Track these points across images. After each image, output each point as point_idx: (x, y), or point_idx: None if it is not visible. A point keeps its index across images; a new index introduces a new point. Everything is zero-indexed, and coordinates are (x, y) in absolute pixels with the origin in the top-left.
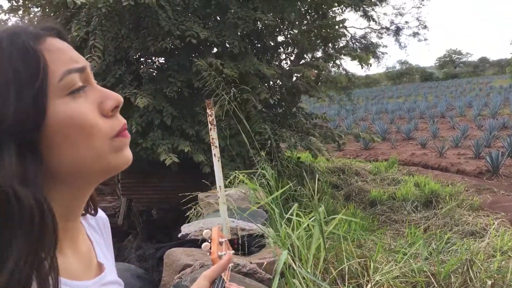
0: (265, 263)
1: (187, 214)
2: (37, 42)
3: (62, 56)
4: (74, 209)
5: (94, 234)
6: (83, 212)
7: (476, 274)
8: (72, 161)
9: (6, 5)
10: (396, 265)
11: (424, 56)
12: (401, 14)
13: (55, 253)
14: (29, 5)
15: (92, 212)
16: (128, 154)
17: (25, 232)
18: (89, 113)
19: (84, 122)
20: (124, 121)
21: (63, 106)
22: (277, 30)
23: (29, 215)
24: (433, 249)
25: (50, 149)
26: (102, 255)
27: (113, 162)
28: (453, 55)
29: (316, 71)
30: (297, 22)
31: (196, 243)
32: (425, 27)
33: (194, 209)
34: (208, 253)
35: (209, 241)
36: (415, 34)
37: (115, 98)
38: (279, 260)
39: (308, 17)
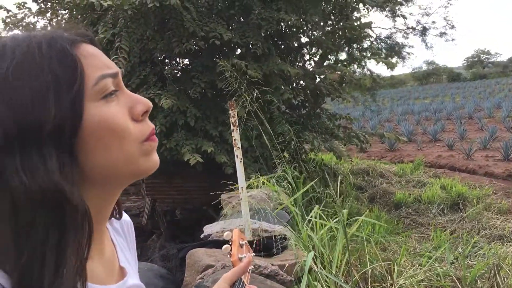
0: (287, 265)
1: (210, 214)
2: (73, 47)
3: (96, 62)
4: (103, 212)
5: (118, 237)
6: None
7: (504, 280)
8: (104, 164)
9: (34, 8)
10: (420, 268)
11: (452, 56)
12: (428, 14)
13: (88, 254)
14: (57, 7)
15: (117, 216)
16: (156, 158)
17: (74, 233)
18: (121, 117)
19: (117, 126)
20: (153, 126)
21: (97, 109)
22: (301, 31)
23: (79, 215)
24: (459, 253)
25: (83, 152)
26: (124, 259)
27: (143, 166)
28: (482, 55)
29: (339, 73)
30: (321, 23)
31: (218, 243)
32: (453, 27)
33: (217, 210)
34: (228, 255)
35: (230, 243)
36: (442, 34)
37: (145, 103)
38: (304, 261)
39: (332, 17)
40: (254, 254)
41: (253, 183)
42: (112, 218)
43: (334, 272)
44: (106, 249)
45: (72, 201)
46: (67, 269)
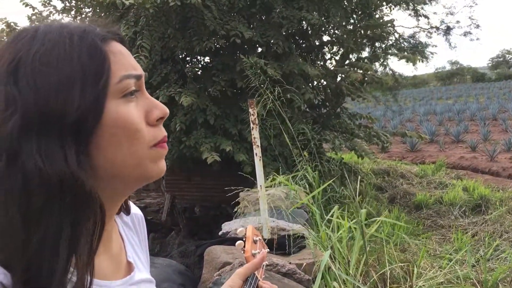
0: (304, 264)
1: (228, 212)
2: (103, 43)
3: (123, 60)
4: (108, 209)
5: (128, 231)
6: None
7: None
8: (112, 162)
9: (59, 6)
10: (440, 271)
11: (476, 56)
12: (452, 13)
13: (98, 247)
14: (81, 5)
15: (125, 212)
16: (163, 165)
17: (87, 223)
18: (136, 118)
19: (131, 126)
20: (166, 133)
21: (116, 107)
22: (322, 29)
23: (93, 205)
24: (481, 256)
25: (96, 146)
26: (133, 254)
27: (149, 171)
28: (507, 55)
29: (361, 72)
30: (343, 22)
31: (236, 241)
32: (478, 26)
33: (236, 208)
34: (242, 251)
35: (244, 239)
36: (466, 34)
37: (162, 109)
38: (321, 260)
39: (354, 16)
40: (268, 250)
41: (271, 182)
42: (121, 213)
43: (351, 272)
44: (113, 244)
45: (87, 191)
46: (79, 260)
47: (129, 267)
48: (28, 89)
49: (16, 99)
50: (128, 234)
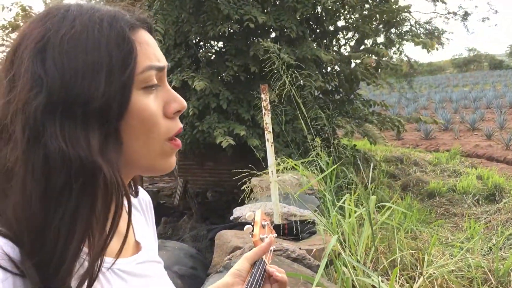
0: (314, 249)
1: (240, 197)
2: (132, 31)
3: (148, 51)
4: None
5: (135, 212)
6: None
7: None
8: (126, 152)
9: None
10: (452, 259)
11: (495, 42)
12: None
13: (115, 230)
14: None
15: (133, 193)
16: (173, 161)
17: (104, 206)
18: (154, 111)
19: (149, 118)
20: (181, 125)
21: (137, 97)
22: (337, 14)
23: (110, 189)
24: (493, 244)
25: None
26: (140, 234)
27: (158, 165)
28: None
29: (375, 58)
30: (358, 6)
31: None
32: (496, 12)
33: (247, 193)
34: (250, 236)
35: (252, 223)
36: (484, 19)
37: (181, 102)
38: (328, 245)
39: (370, 1)
40: (276, 235)
41: (282, 167)
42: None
43: (358, 257)
44: (121, 223)
45: (107, 177)
46: (93, 242)
47: (137, 247)
48: (55, 71)
49: (42, 79)
50: (136, 215)
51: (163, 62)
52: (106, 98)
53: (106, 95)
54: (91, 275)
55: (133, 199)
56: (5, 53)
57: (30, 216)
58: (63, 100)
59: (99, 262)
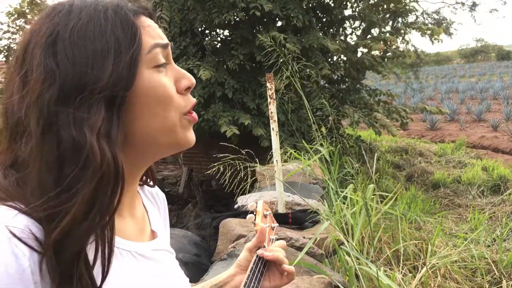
0: (318, 238)
1: (245, 186)
2: (135, 17)
3: (152, 32)
4: (133, 175)
5: (150, 205)
6: (141, 183)
7: None
8: (145, 129)
9: None
10: (455, 249)
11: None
12: None
13: (116, 209)
14: None
15: (150, 183)
16: (192, 135)
17: (98, 183)
18: (168, 86)
19: (164, 93)
20: (194, 100)
21: (148, 76)
22: (344, 3)
23: (106, 168)
24: (497, 236)
25: (129, 114)
26: (156, 224)
27: (180, 138)
28: None
29: (383, 46)
30: None
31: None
32: (505, 3)
33: (252, 182)
34: (253, 225)
35: (255, 213)
36: (492, 11)
37: (190, 78)
38: (333, 235)
39: None
40: (277, 225)
41: (287, 156)
42: (145, 186)
43: (363, 248)
44: (137, 210)
45: (103, 152)
46: (101, 220)
47: (153, 235)
48: (66, 62)
49: (54, 72)
50: (150, 207)
51: (165, 40)
52: (113, 78)
53: (113, 76)
54: (104, 242)
55: (148, 192)
56: (11, 45)
57: (45, 202)
58: (75, 89)
59: (107, 236)
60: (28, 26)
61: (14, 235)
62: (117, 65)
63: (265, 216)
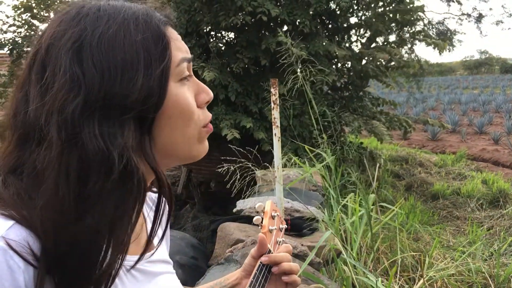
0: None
1: (244, 190)
2: (164, 28)
3: (179, 45)
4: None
5: (150, 212)
6: None
7: None
8: (166, 141)
9: None
10: (452, 262)
11: (507, 46)
12: (485, 1)
13: (134, 227)
14: None
15: (154, 189)
16: (207, 145)
17: (134, 204)
18: (191, 100)
19: (187, 108)
20: (210, 115)
21: (175, 89)
22: (351, 11)
23: (141, 188)
24: (494, 250)
25: (157, 128)
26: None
27: (195, 150)
28: None
29: (387, 55)
30: (372, 4)
31: (249, 219)
32: (511, 15)
33: (251, 186)
34: (260, 227)
35: (262, 214)
36: (498, 23)
37: (209, 92)
38: (331, 244)
39: None
40: (286, 226)
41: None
42: (148, 192)
43: (361, 258)
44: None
45: (140, 174)
46: (116, 240)
47: (149, 245)
48: (94, 71)
49: (80, 80)
50: (150, 215)
51: (189, 54)
52: (145, 92)
53: (144, 89)
54: (112, 271)
55: (149, 198)
56: (16, 39)
57: (60, 217)
58: (102, 100)
59: (120, 259)
60: (41, 25)
61: (11, 247)
62: (148, 78)
63: (272, 217)
